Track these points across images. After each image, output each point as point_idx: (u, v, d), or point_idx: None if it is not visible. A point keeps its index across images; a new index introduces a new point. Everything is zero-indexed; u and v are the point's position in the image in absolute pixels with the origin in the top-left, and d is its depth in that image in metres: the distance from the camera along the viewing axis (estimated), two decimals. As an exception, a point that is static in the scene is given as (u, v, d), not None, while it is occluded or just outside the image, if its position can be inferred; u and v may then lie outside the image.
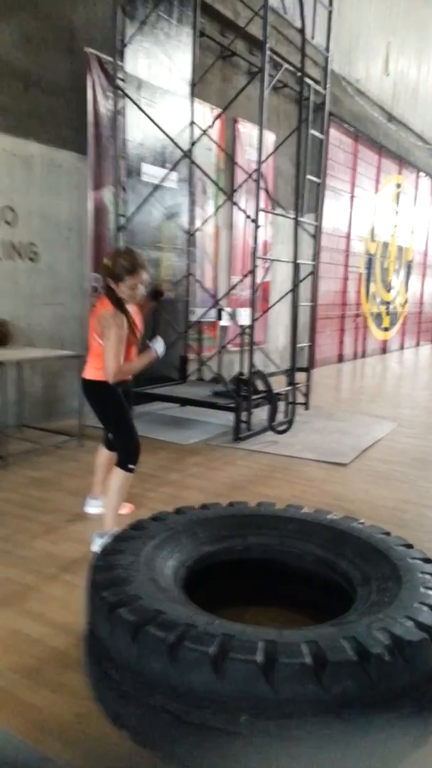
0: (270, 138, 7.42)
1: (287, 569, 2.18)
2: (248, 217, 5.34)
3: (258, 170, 4.95)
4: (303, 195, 5.46)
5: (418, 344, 15.21)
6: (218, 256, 7.28)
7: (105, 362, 2.65)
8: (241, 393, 4.99)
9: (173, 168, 5.59)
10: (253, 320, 5.11)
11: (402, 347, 14.13)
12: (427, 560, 1.91)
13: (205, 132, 5.65)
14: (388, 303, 13.02)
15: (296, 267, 5.29)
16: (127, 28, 5.17)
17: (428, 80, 13.13)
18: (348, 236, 10.60)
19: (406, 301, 14.13)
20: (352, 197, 10.54)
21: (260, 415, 5.22)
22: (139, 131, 5.41)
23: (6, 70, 4.66)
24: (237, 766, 1.36)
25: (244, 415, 4.98)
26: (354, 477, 4.15)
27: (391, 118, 11.55)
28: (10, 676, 1.89)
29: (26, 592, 2.42)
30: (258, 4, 5.98)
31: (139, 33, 5.26)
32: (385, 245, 12.40)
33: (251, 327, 5.13)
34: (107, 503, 2.87)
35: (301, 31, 5.00)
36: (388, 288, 12.90)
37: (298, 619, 2.12)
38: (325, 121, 6.23)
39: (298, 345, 5.60)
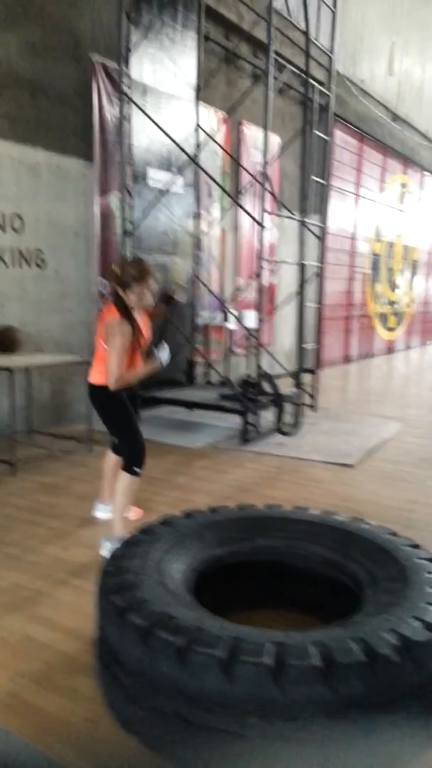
0: (275, 140, 7.44)
1: (295, 571, 2.19)
2: (254, 219, 5.36)
3: (263, 172, 4.96)
4: (308, 196, 5.47)
5: (424, 344, 15.15)
6: (224, 258, 7.30)
7: (107, 369, 2.69)
8: (248, 395, 5.00)
9: (179, 172, 5.61)
10: (260, 322, 5.13)
11: (408, 347, 14.08)
12: (434, 561, 1.92)
13: (210, 136, 5.67)
14: (393, 303, 12.98)
15: (302, 268, 5.30)
16: (132, 34, 5.21)
17: (433, 79, 13.10)
18: (353, 237, 10.59)
19: (411, 301, 14.09)
20: (357, 198, 10.53)
21: (267, 417, 5.23)
22: (144, 136, 5.44)
23: (12, 78, 4.71)
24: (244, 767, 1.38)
25: (251, 418, 4.99)
26: (361, 478, 4.15)
27: (395, 117, 11.54)
28: (20, 681, 1.90)
29: (36, 598, 2.43)
30: (262, 7, 6.01)
31: (143, 39, 5.29)
32: (391, 245, 12.37)
33: (258, 329, 5.14)
34: (114, 507, 2.89)
35: (306, 33, 5.01)
36: (393, 288, 12.87)
37: (307, 621, 2.13)
38: (330, 122, 6.23)
39: (305, 346, 5.60)
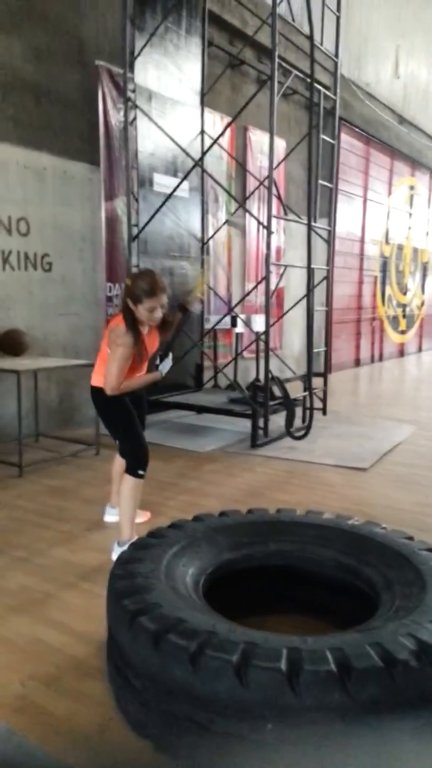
0: (281, 145, 7.43)
1: (308, 575, 2.15)
2: (260, 223, 5.34)
3: (270, 177, 4.94)
4: (315, 200, 5.44)
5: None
6: (232, 263, 7.29)
7: (107, 375, 2.70)
8: (258, 399, 4.96)
9: (185, 177, 5.61)
10: (268, 326, 5.09)
11: (420, 349, 13.99)
12: (451, 564, 1.87)
13: (216, 141, 5.67)
14: (404, 305, 12.92)
15: (310, 272, 5.27)
16: (136, 39, 5.23)
17: (439, 82, 13.07)
18: (362, 240, 10.55)
19: (422, 303, 14.01)
20: (365, 201, 10.51)
21: (277, 421, 5.19)
22: (150, 142, 5.45)
23: (17, 83, 4.73)
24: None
25: (261, 422, 4.95)
26: (374, 481, 4.09)
27: (402, 120, 11.52)
28: (30, 684, 1.88)
29: (45, 601, 2.42)
30: (266, 12, 6.02)
31: (148, 45, 5.31)
32: (400, 248, 12.33)
33: (266, 333, 5.11)
34: (121, 511, 2.89)
35: (310, 37, 5.00)
36: (404, 290, 12.81)
37: (320, 626, 2.09)
38: (336, 126, 6.22)
39: (314, 350, 5.56)
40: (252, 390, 5.10)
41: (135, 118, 5.31)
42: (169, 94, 5.67)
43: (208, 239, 6.40)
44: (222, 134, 5.76)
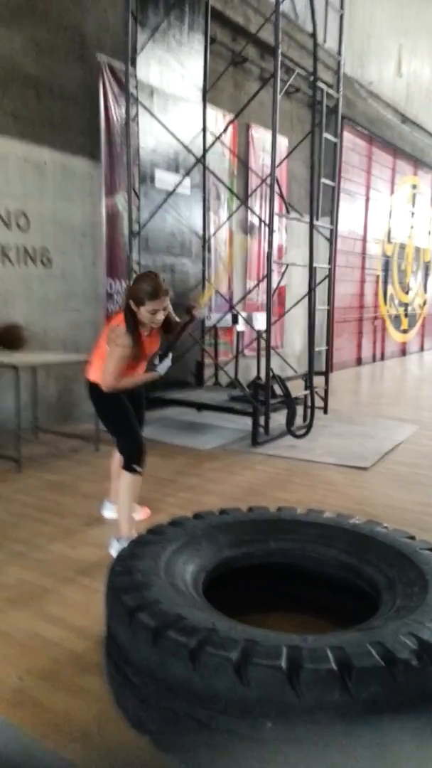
0: (283, 142, 7.41)
1: (309, 574, 2.14)
2: (262, 221, 5.31)
3: (272, 175, 4.92)
4: (318, 198, 5.42)
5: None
6: (233, 261, 7.27)
7: (103, 373, 2.69)
8: (259, 397, 4.94)
9: (187, 174, 5.59)
10: (269, 324, 5.07)
11: (422, 349, 13.97)
12: (453, 563, 1.85)
13: (218, 138, 5.65)
14: (406, 305, 12.89)
15: (312, 270, 5.25)
16: (138, 35, 5.20)
17: (442, 81, 13.03)
18: (364, 239, 10.52)
19: (424, 302, 13.98)
20: (367, 199, 10.48)
21: (278, 419, 5.17)
22: (152, 138, 5.43)
23: (18, 77, 4.71)
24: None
25: (262, 420, 4.93)
26: (376, 481, 4.08)
27: (405, 119, 11.49)
28: (27, 678, 1.87)
29: (44, 595, 2.41)
30: (269, 9, 5.99)
31: (150, 40, 5.29)
32: (402, 247, 12.30)
33: (267, 331, 5.09)
34: (118, 506, 2.88)
35: (313, 35, 4.98)
36: (406, 290, 12.78)
37: (321, 625, 2.07)
38: (339, 124, 6.19)
39: (316, 349, 5.54)
40: (253, 388, 5.08)
41: (137, 114, 5.28)
42: (171, 90, 5.65)
43: (210, 236, 6.38)
44: (224, 131, 5.74)
